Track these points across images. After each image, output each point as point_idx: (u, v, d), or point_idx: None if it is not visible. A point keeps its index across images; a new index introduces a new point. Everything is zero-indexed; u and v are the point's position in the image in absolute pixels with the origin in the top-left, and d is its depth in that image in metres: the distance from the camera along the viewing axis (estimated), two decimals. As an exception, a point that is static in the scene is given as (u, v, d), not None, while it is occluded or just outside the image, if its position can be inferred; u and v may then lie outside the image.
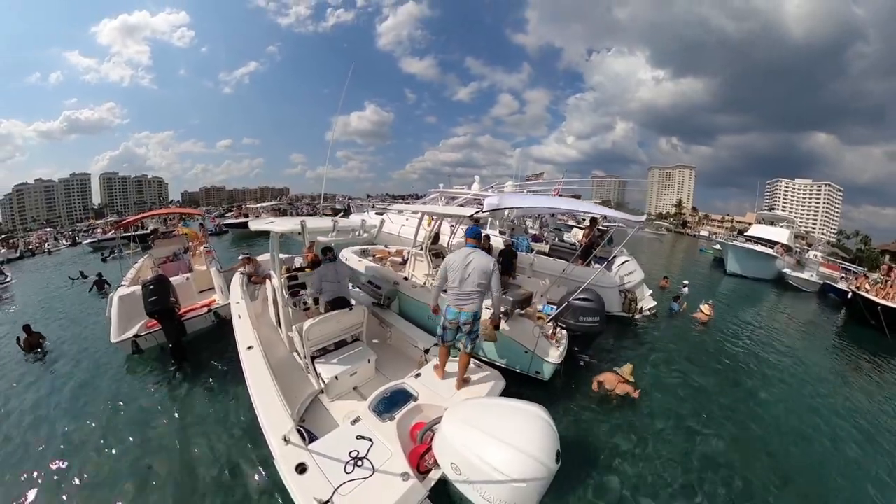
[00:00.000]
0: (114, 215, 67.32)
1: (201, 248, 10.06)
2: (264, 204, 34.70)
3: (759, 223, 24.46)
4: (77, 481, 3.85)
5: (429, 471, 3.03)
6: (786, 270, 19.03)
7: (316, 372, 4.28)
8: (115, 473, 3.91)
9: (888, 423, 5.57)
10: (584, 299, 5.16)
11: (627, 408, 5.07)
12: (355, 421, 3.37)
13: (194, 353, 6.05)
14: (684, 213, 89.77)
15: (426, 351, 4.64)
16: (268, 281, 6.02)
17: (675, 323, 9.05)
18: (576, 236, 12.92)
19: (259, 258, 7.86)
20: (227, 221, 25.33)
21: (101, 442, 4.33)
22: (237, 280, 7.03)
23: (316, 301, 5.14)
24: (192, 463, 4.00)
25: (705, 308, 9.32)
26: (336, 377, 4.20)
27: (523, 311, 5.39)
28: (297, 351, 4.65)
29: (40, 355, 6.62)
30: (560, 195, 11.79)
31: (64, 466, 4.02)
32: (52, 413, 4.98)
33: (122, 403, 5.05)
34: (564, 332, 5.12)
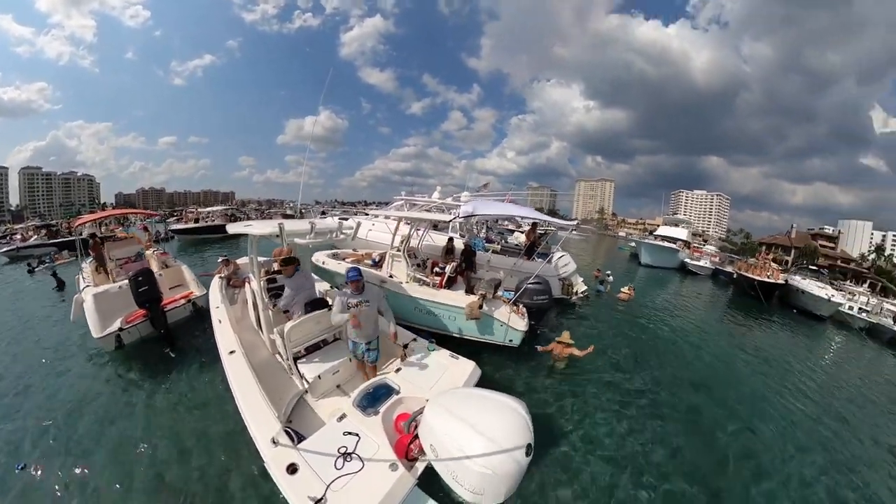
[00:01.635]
0: (35, 218, 56.88)
1: (150, 251, 9.61)
2: (216, 208, 31.38)
3: (665, 224, 30.34)
4: (78, 482, 3.72)
5: (416, 459, 3.09)
6: (686, 259, 24.39)
7: (299, 372, 4.22)
8: (104, 476, 3.79)
9: (762, 353, 9.06)
10: (535, 283, 6.50)
11: (574, 368, 6.24)
12: (341, 418, 3.36)
13: (179, 347, 6.24)
14: (605, 218, 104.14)
15: (405, 346, 4.65)
16: (247, 284, 5.78)
17: (603, 302, 11.31)
18: (518, 238, 14.79)
19: (238, 261, 7.76)
20: (175, 227, 22.71)
21: (90, 442, 4.23)
22: (216, 284, 6.80)
23: (286, 312, 4.86)
24: (181, 465, 3.90)
25: (626, 289, 11.86)
26: (319, 376, 4.20)
27: (495, 295, 6.43)
28: (279, 353, 4.53)
29: None
30: (511, 203, 13.26)
31: (62, 468, 3.89)
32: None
33: (103, 403, 4.91)
34: (524, 309, 6.27)
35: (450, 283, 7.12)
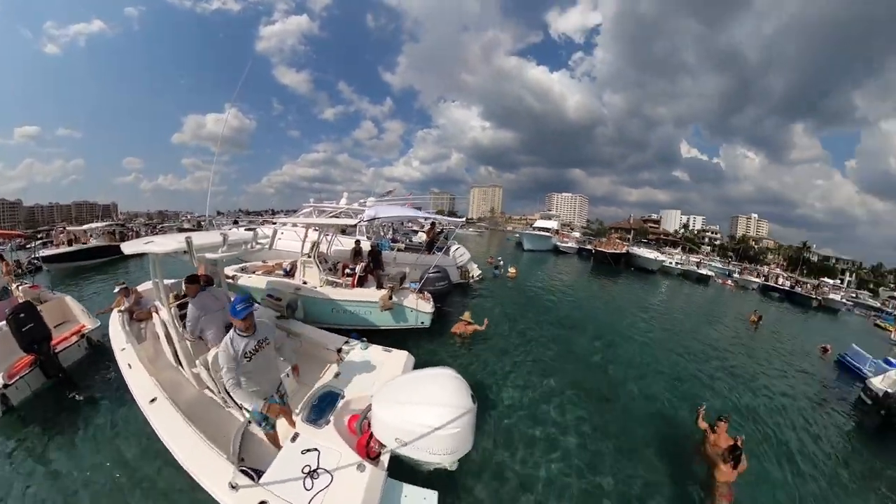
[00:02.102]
0: None
1: (14, 285, 7.47)
2: (95, 225, 21.04)
3: (541, 219, 39.28)
4: None
5: (379, 454, 3.07)
6: (557, 243, 32.57)
7: (236, 403, 3.68)
8: None
9: (616, 297, 14.65)
10: (435, 272, 7.60)
11: (480, 338, 7.28)
12: (294, 438, 3.17)
13: (85, 389, 5.02)
14: (496, 217, 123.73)
15: (339, 350, 4.55)
16: (154, 315, 4.84)
17: (497, 282, 13.77)
18: (421, 237, 16.07)
19: (140, 288, 6.40)
20: (44, 253, 15.45)
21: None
22: (115, 320, 5.53)
23: (201, 338, 4.14)
24: None
25: (512, 270, 15.13)
26: None
27: (402, 286, 7.26)
28: (208, 387, 3.98)
29: None
30: (419, 208, 14.38)
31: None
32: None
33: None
34: (429, 294, 7.24)
35: (361, 282, 7.60)
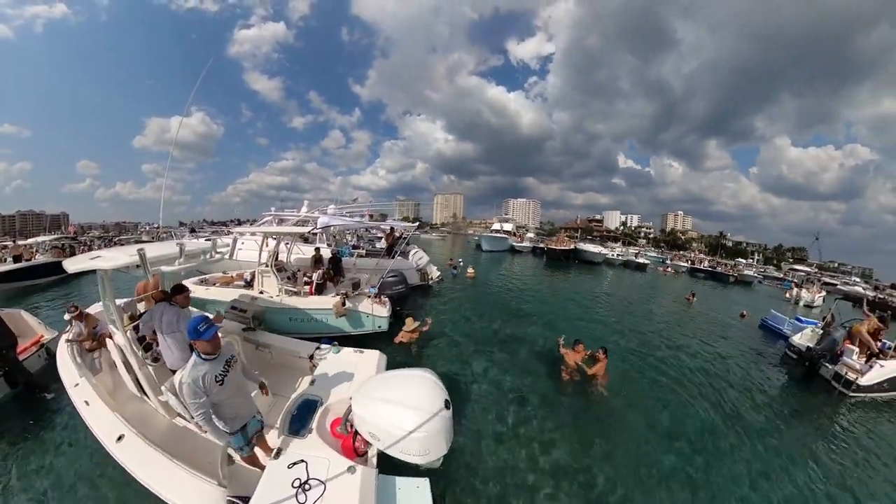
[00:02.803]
0: None
1: None
2: (41, 238, 18.38)
3: (498, 222, 41.76)
4: None
5: (366, 453, 3.03)
6: (513, 244, 34.90)
7: (213, 426, 3.57)
8: None
9: (566, 287, 16.48)
10: (392, 276, 7.74)
11: (436, 336, 7.38)
12: (278, 454, 2.99)
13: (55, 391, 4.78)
14: (458, 222, 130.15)
15: (311, 357, 4.45)
16: (108, 340, 4.26)
17: (456, 282, 14.14)
18: (384, 243, 16.42)
19: (90, 310, 5.48)
20: None
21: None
22: (63, 352, 4.72)
23: (156, 359, 3.81)
24: None
25: (471, 270, 15.49)
26: None
27: (356, 293, 7.24)
28: (179, 414, 3.65)
29: None
30: (371, 216, 14.36)
31: None
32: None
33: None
34: (387, 298, 7.31)
35: (320, 290, 7.45)
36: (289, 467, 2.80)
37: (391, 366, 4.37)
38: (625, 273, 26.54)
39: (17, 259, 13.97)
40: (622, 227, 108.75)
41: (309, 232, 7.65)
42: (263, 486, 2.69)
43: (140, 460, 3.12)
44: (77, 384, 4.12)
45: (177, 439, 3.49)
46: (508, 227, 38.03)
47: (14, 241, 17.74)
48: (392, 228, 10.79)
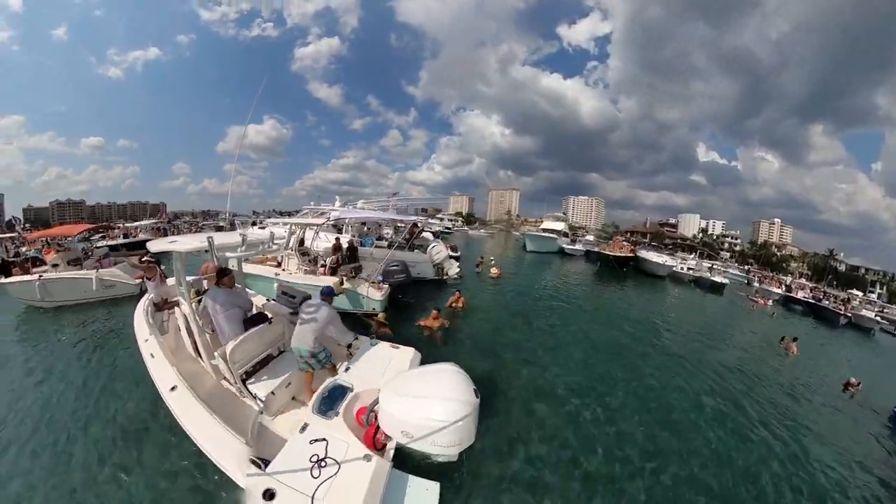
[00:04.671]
0: None
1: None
2: (143, 223, 25.48)
3: (548, 220, 36.47)
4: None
5: (385, 445, 3.04)
6: (564, 245, 29.77)
7: (251, 393, 3.78)
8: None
9: (616, 308, 11.72)
10: (394, 265, 8.02)
11: (453, 332, 6.89)
12: (304, 428, 3.11)
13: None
14: (511, 219, 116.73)
15: (349, 346, 4.47)
16: (176, 308, 4.82)
17: (477, 281, 12.88)
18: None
19: (169, 281, 6.18)
20: (101, 244, 17.10)
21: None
22: (141, 312, 5.36)
23: (213, 330, 4.15)
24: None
25: (495, 270, 13.81)
26: (273, 392, 3.83)
27: (355, 276, 7.63)
28: (225, 378, 3.96)
29: None
30: (396, 209, 14.72)
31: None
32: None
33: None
34: (385, 285, 7.59)
35: (335, 272, 7.98)
36: (310, 442, 2.91)
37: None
38: (694, 293, 19.50)
39: (125, 236, 19.74)
40: (701, 235, 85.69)
41: (323, 223, 8.57)
42: (284, 454, 2.85)
43: (185, 409, 3.44)
44: (147, 340, 4.69)
45: (218, 398, 3.78)
46: (559, 226, 32.77)
47: (124, 224, 24.37)
48: (414, 223, 11.02)
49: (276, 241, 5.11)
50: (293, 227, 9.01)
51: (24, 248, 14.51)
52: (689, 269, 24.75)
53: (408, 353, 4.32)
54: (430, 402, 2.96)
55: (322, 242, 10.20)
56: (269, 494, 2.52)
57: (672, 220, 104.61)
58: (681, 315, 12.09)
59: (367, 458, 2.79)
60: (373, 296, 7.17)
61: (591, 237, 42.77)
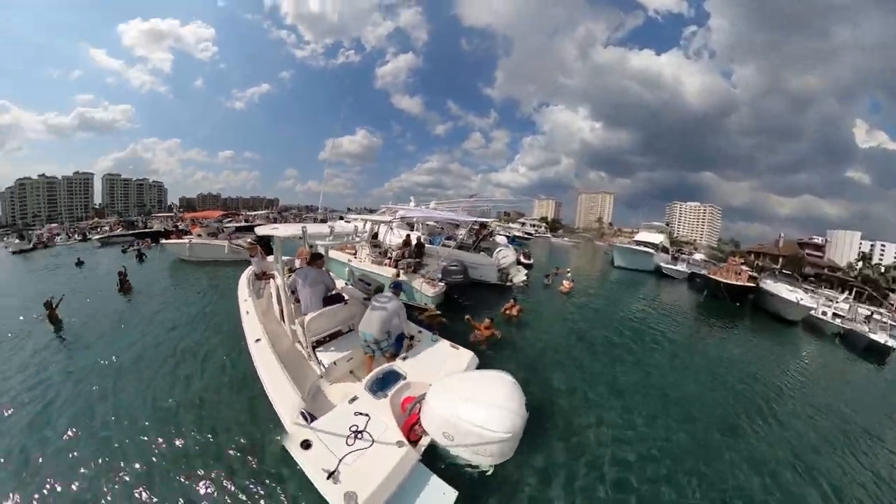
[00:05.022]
0: (114, 216, 64.71)
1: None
2: (259, 212, 36.65)
3: (644, 231, 28.54)
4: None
5: (419, 438, 3.06)
6: (661, 263, 22.05)
7: (317, 359, 4.24)
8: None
9: (719, 363, 7.31)
10: (454, 265, 8.20)
11: (501, 342, 6.42)
12: (353, 400, 3.34)
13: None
14: (602, 227, 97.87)
15: (411, 338, 4.64)
16: (272, 280, 6.00)
17: (544, 292, 11.57)
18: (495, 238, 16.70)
19: (269, 258, 7.42)
20: (229, 225, 24.08)
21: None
22: (245, 278, 6.92)
23: (297, 301, 4.74)
24: (213, 434, 3.82)
25: (566, 283, 11.69)
26: (335, 363, 4.20)
27: (414, 270, 8.22)
28: (299, 342, 4.56)
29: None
30: (468, 211, 14.66)
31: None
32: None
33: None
34: (441, 283, 7.83)
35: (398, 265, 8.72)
36: (355, 414, 3.13)
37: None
38: (839, 355, 10.18)
39: (246, 220, 27.48)
40: (860, 265, 48.70)
41: (390, 221, 9.52)
42: (329, 417, 3.16)
43: (263, 359, 4.12)
44: (245, 300, 5.90)
45: (289, 357, 4.37)
46: (657, 238, 25.14)
47: (245, 212, 35.47)
48: (482, 224, 11.00)
49: (359, 235, 5.92)
50: (368, 222, 10.17)
51: (179, 224, 22.39)
52: (835, 315, 14.23)
53: (466, 355, 4.29)
54: (478, 407, 2.88)
55: (395, 238, 11.04)
56: (305, 444, 2.79)
57: (818, 240, 70.13)
58: (813, 392, 6.74)
59: (399, 444, 2.86)
60: (426, 291, 7.48)
61: (700, 255, 30.83)
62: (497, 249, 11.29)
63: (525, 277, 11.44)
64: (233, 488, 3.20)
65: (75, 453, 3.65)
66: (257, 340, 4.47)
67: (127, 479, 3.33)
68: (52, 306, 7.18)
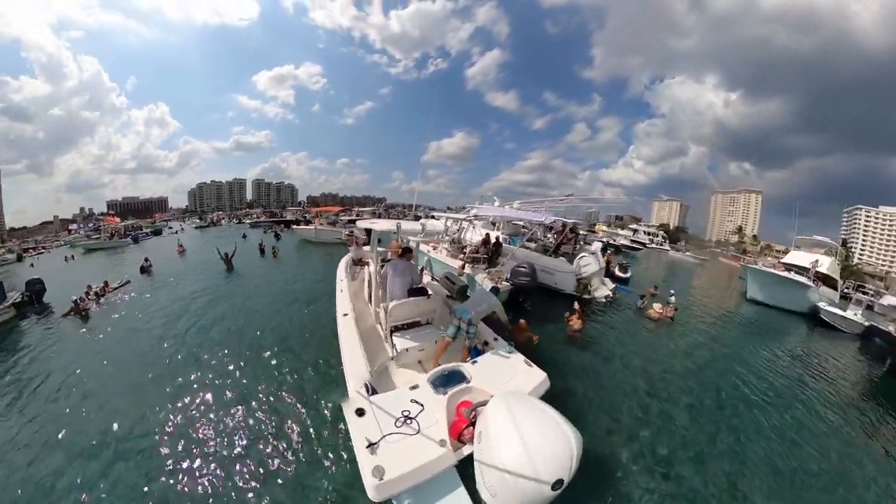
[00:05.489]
0: (260, 208, 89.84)
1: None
2: (366, 209, 44.16)
3: (797, 249, 19.09)
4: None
5: (463, 445, 3.01)
6: (821, 304, 13.53)
7: (392, 342, 4.50)
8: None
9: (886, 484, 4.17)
10: (522, 267, 8.06)
11: (549, 358, 5.66)
12: (413, 387, 3.47)
13: None
14: (744, 242, 69.29)
15: (485, 343, 4.68)
16: (366, 267, 6.91)
17: (629, 315, 9.38)
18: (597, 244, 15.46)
19: (365, 247, 8.51)
20: (343, 218, 30.02)
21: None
22: (344, 261, 7.91)
23: (385, 287, 5.04)
24: (297, 360, 5.48)
25: (659, 308, 9.20)
26: (407, 349, 4.41)
27: (486, 266, 8.59)
28: (380, 323, 4.91)
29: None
30: (553, 212, 13.94)
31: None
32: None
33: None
34: (507, 283, 7.80)
35: (474, 261, 9.17)
36: (411, 401, 3.25)
37: None
38: None
39: (357, 215, 33.57)
40: None
41: (465, 218, 9.94)
42: (389, 395, 3.40)
43: (346, 331, 4.68)
44: (342, 280, 6.79)
45: (369, 335, 4.88)
46: (823, 263, 16.12)
47: (357, 208, 46.27)
48: (563, 225, 10.39)
49: (449, 233, 6.53)
50: (450, 220, 10.95)
51: (306, 216, 32.95)
52: None
53: (538, 376, 3.92)
54: (515, 441, 2.47)
55: (476, 236, 11.45)
56: (360, 412, 3.03)
57: None
58: None
59: (442, 442, 2.88)
60: (485, 285, 7.55)
61: (893, 299, 16.45)
62: (579, 256, 10.38)
63: (610, 293, 10.12)
64: (292, 409, 4.42)
65: (224, 347, 6.26)
66: (345, 315, 5.04)
67: (242, 364, 5.62)
68: (228, 257, 13.00)
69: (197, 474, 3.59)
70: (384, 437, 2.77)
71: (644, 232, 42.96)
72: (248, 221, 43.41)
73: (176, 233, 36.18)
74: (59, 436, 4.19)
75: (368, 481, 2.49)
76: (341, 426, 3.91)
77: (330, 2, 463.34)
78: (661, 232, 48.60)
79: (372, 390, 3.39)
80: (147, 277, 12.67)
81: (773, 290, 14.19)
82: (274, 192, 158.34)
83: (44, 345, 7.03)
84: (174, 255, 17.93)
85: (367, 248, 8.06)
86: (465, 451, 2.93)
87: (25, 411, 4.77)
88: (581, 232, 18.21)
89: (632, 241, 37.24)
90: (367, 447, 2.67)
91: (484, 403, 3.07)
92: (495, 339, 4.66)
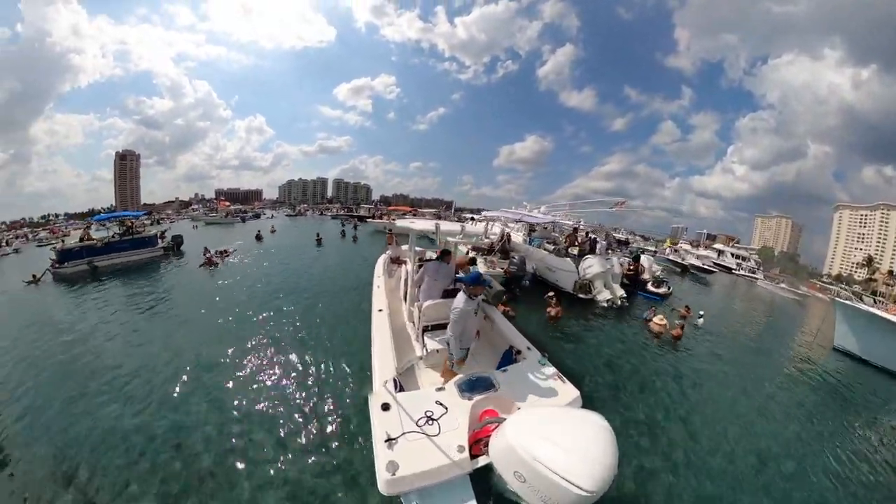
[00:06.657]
0: (338, 203, 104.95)
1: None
2: (430, 210, 52.28)
3: None
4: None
5: (480, 454, 2.90)
6: None
7: (423, 341, 4.55)
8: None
9: None
10: (514, 259, 10.16)
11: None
12: (439, 389, 3.50)
13: None
14: (875, 280, 46.82)
15: (518, 352, 4.50)
16: (402, 265, 7.03)
17: (634, 322, 9.06)
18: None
19: (403, 247, 8.49)
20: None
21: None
22: (382, 259, 8.16)
23: (419, 286, 5.05)
24: (318, 378, 5.22)
25: (657, 319, 8.44)
26: (437, 350, 4.41)
27: (482, 255, 10.56)
28: (413, 322, 5.02)
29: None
30: (574, 218, 14.71)
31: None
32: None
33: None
34: (500, 270, 9.92)
35: (490, 252, 11.31)
36: (435, 402, 3.27)
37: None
38: None
39: (423, 215, 37.59)
40: None
41: (486, 220, 12.49)
42: (415, 394, 3.54)
43: (379, 325, 4.83)
44: (379, 276, 7.06)
45: (400, 332, 5.00)
46: None
47: (424, 210, 54.45)
48: (575, 229, 11.84)
49: (489, 236, 8.01)
50: (486, 223, 13.33)
51: (377, 212, 41.74)
52: None
53: (570, 393, 3.71)
54: (564, 452, 2.33)
55: (517, 235, 13.48)
56: (384, 406, 3.12)
57: None
58: None
59: (460, 448, 2.84)
60: (479, 268, 8.62)
61: None
62: (584, 258, 10.70)
63: (615, 298, 10.00)
64: (318, 390, 4.92)
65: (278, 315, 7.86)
66: (380, 310, 5.22)
67: (285, 327, 7.13)
68: (318, 237, 20.14)
69: (239, 395, 4.85)
70: (404, 433, 2.85)
71: (731, 254, 37.31)
72: (328, 214, 57.08)
73: (270, 218, 47.75)
74: (177, 333, 6.97)
75: (381, 475, 2.57)
76: (366, 416, 3.50)
77: (397, 18, 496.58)
78: (755, 256, 41.10)
79: (399, 387, 3.52)
80: (259, 243, 20.09)
81: (872, 338, 9.03)
82: (351, 191, 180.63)
83: (176, 279, 11.77)
84: (268, 234, 25.36)
85: (404, 247, 7.93)
86: (482, 461, 2.83)
87: (155, 314, 8.19)
88: (618, 238, 21.05)
89: (714, 263, 32.78)
90: (384, 441, 2.76)
91: (506, 416, 3.00)
92: (529, 349, 4.41)
